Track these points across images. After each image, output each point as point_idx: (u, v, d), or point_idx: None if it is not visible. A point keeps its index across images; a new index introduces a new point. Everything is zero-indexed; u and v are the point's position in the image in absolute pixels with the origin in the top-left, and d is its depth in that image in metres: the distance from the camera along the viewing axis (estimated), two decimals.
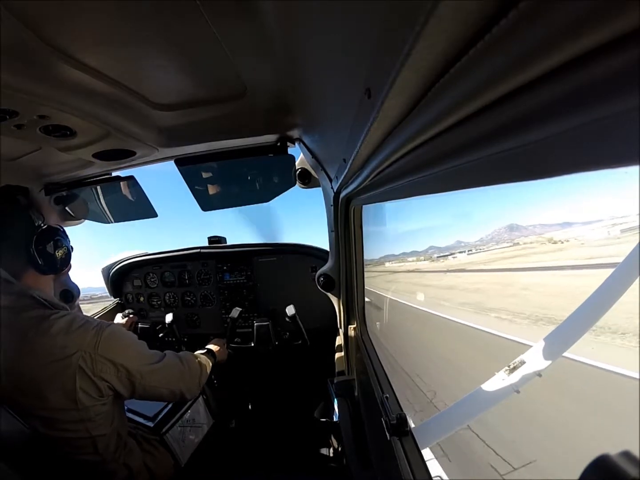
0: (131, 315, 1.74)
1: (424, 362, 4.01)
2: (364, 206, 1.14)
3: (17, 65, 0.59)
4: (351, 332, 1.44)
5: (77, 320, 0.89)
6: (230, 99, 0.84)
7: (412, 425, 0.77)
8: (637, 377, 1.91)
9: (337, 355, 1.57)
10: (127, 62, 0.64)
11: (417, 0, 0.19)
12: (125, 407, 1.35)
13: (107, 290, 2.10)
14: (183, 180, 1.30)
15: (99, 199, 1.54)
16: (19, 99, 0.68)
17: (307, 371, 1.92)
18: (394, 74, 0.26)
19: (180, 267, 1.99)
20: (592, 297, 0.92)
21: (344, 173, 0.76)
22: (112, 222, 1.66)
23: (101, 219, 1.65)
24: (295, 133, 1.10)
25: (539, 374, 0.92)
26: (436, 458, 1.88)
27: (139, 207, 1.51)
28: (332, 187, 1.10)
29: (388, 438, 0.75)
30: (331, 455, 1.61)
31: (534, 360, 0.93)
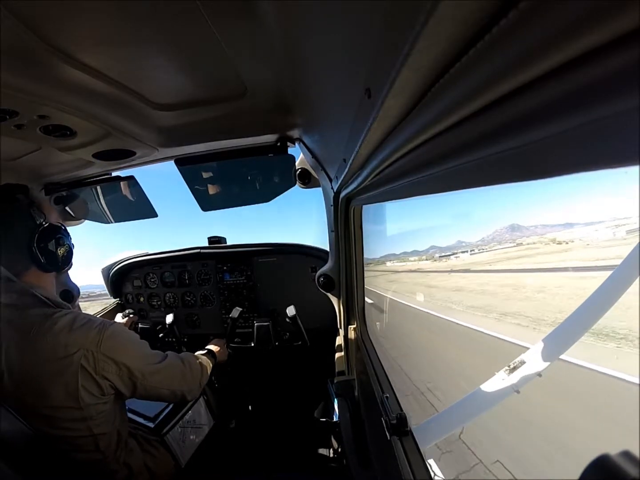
0: (131, 315, 1.74)
1: (439, 376, 3.39)
2: (364, 205, 1.14)
3: (17, 65, 0.59)
4: (351, 332, 1.44)
5: (79, 318, 0.89)
6: (230, 99, 0.84)
7: (412, 425, 0.77)
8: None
9: (337, 355, 1.57)
10: (127, 62, 0.64)
11: (417, 0, 0.19)
12: (126, 408, 1.35)
13: (106, 289, 2.10)
14: (183, 180, 1.30)
15: (99, 199, 1.54)
16: (19, 99, 0.68)
17: (307, 371, 1.92)
18: (394, 74, 0.26)
19: (180, 267, 1.99)
20: (592, 298, 0.91)
21: (344, 173, 0.76)
22: (112, 222, 1.66)
23: (101, 219, 1.65)
24: (295, 133, 1.10)
25: (539, 374, 0.92)
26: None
27: (139, 207, 1.51)
28: (332, 187, 1.11)
29: (388, 438, 0.75)
30: (331, 455, 1.61)
31: (534, 361, 0.93)
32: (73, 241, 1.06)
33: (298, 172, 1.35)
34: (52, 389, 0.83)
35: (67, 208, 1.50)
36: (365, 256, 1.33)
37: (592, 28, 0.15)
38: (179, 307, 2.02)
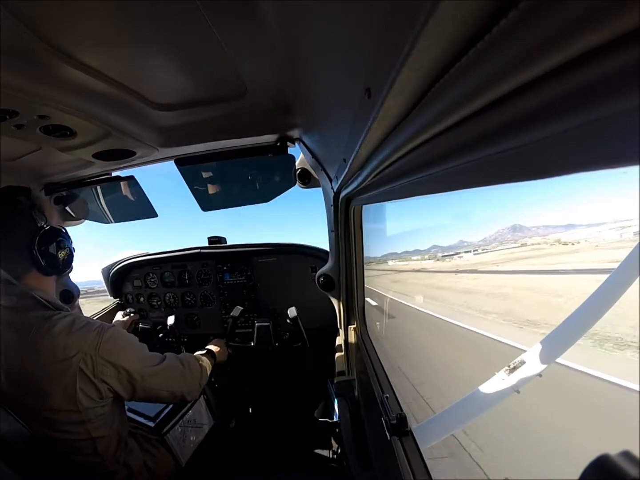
0: (132, 314, 1.74)
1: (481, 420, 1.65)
2: (364, 204, 1.14)
3: (17, 65, 0.59)
4: (351, 332, 1.44)
5: (78, 321, 0.88)
6: (230, 99, 0.84)
7: (413, 425, 0.77)
8: None
9: (337, 355, 1.58)
10: (127, 62, 0.64)
11: (417, 0, 0.19)
12: (127, 407, 1.35)
13: (105, 287, 2.10)
14: (183, 180, 1.30)
15: (99, 199, 1.54)
16: (19, 99, 0.68)
17: (307, 371, 1.92)
18: (394, 74, 0.26)
19: (180, 267, 1.99)
20: (592, 298, 0.91)
21: (344, 173, 0.76)
22: (112, 222, 1.66)
23: (101, 219, 1.65)
24: (295, 133, 1.10)
25: (539, 374, 0.91)
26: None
27: (139, 207, 1.51)
28: (332, 187, 1.11)
29: (388, 438, 0.75)
30: (331, 455, 1.61)
31: (534, 362, 0.93)
32: (75, 239, 1.06)
33: (298, 172, 1.35)
34: (51, 391, 0.82)
35: (67, 208, 1.50)
36: (366, 255, 1.33)
37: (592, 28, 0.15)
38: (179, 307, 2.02)
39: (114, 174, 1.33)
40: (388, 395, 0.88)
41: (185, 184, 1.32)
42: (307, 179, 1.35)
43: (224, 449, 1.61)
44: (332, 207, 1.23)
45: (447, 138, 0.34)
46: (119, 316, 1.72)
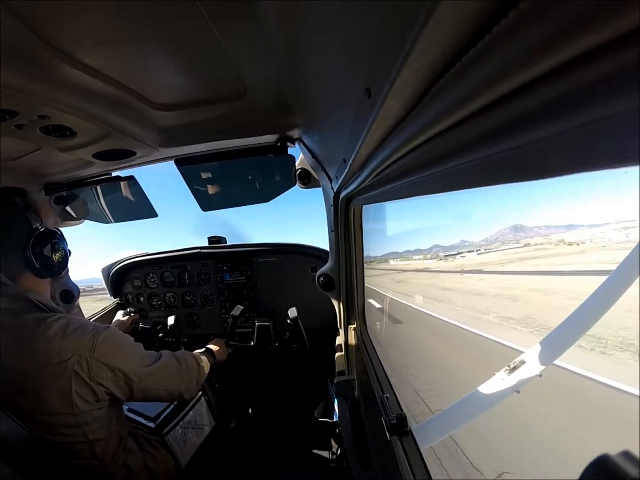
0: (132, 314, 1.74)
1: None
2: (364, 204, 1.14)
3: (17, 65, 0.59)
4: (351, 332, 1.44)
5: (72, 323, 0.87)
6: (230, 99, 0.84)
7: (413, 425, 0.76)
8: None
9: (337, 355, 1.58)
10: (127, 62, 0.64)
11: (417, 0, 0.19)
12: (127, 407, 1.35)
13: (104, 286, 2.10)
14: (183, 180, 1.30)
15: (99, 199, 1.54)
16: (19, 99, 0.67)
17: (307, 371, 1.92)
18: (394, 74, 0.26)
19: (180, 267, 1.99)
20: (592, 298, 0.91)
21: (344, 173, 0.76)
22: (112, 222, 1.66)
23: (101, 219, 1.65)
24: (295, 133, 1.10)
25: (539, 374, 0.91)
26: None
27: (139, 207, 1.51)
28: (332, 187, 1.10)
29: (388, 438, 0.75)
30: (331, 455, 1.61)
31: (533, 362, 0.93)
32: (73, 239, 1.06)
33: (298, 172, 1.35)
34: (47, 394, 0.82)
35: (67, 208, 1.50)
36: (367, 254, 1.33)
37: (592, 28, 0.15)
38: (179, 307, 2.02)
39: (114, 174, 1.33)
40: (388, 395, 0.88)
41: (185, 184, 1.32)
42: (307, 179, 1.35)
43: (224, 448, 1.61)
44: (332, 207, 1.23)
45: (447, 138, 0.34)
46: (119, 316, 1.72)
